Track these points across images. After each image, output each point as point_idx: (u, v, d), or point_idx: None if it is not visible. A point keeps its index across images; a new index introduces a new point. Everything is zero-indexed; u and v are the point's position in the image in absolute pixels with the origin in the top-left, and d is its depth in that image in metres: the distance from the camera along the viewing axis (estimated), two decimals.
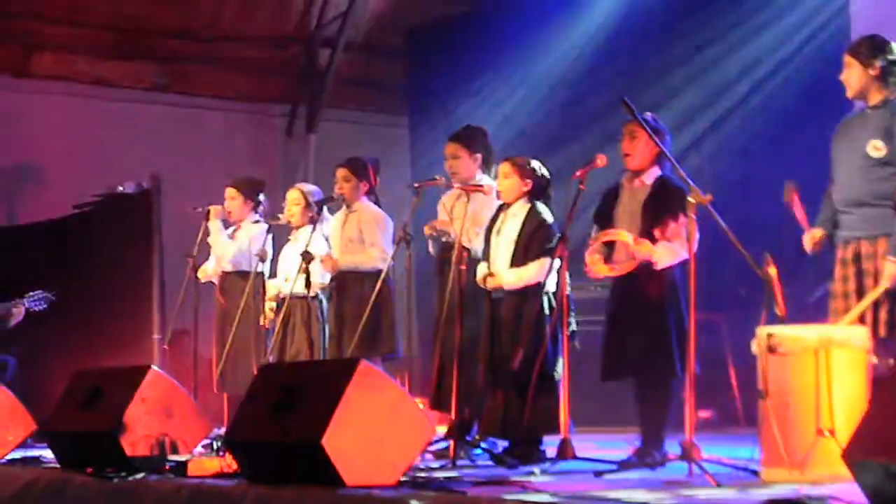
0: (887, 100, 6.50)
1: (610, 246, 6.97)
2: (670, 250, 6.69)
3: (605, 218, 7.04)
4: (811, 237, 6.69)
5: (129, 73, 13.99)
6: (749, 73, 10.95)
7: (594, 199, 7.11)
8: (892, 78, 6.52)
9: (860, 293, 6.44)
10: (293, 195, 9.34)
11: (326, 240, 9.03)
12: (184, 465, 6.33)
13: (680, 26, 11.38)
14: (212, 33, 14.13)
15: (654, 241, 6.72)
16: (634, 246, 6.72)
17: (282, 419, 5.64)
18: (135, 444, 6.63)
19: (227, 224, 9.87)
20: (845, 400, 5.73)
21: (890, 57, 6.51)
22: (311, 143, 14.59)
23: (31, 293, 10.46)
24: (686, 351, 6.31)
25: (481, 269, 7.52)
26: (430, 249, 8.26)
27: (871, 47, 6.54)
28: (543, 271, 7.15)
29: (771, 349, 5.88)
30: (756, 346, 5.97)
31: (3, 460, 7.92)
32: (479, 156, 8.13)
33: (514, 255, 7.39)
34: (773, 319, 6.13)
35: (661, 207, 6.79)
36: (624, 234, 6.80)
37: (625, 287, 6.92)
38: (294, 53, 14.78)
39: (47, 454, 7.59)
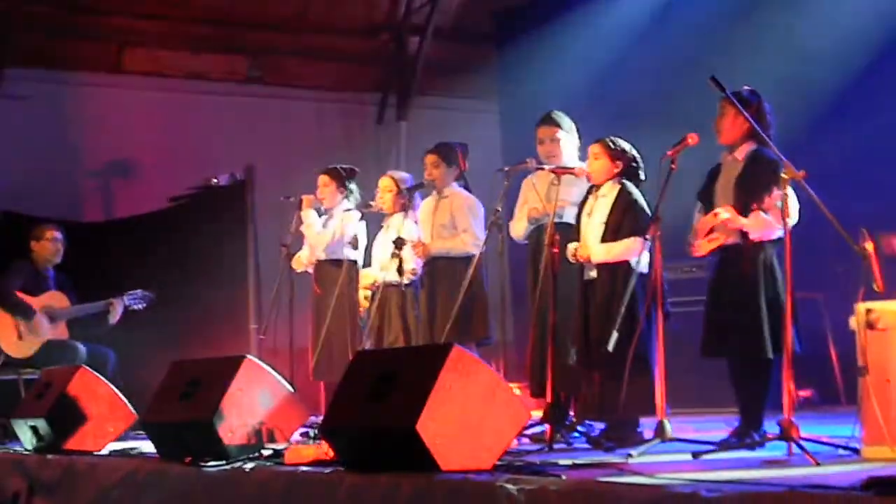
0: None
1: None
2: (762, 220, 6.61)
3: (706, 195, 7.00)
4: None
5: (220, 66, 14.09)
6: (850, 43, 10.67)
7: (690, 178, 7.04)
8: None
9: None
10: (384, 182, 9.36)
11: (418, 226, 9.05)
12: (280, 453, 6.36)
13: None
14: (301, 24, 14.18)
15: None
16: (728, 220, 6.65)
17: (376, 406, 5.63)
18: (232, 432, 6.67)
19: (320, 213, 9.91)
20: None
21: None
22: (401, 131, 14.60)
23: (131, 291, 10.58)
24: (782, 330, 6.24)
25: (570, 247, 7.49)
26: (519, 233, 8.25)
27: None
28: (634, 250, 7.13)
29: (870, 325, 5.79)
30: (855, 323, 5.88)
31: (104, 451, 8.02)
32: (572, 136, 8.12)
33: (604, 236, 7.36)
34: (872, 296, 6.04)
35: (753, 182, 6.71)
36: (725, 212, 6.72)
37: (722, 265, 6.86)
38: (383, 42, 14.80)
39: (147, 445, 7.67)
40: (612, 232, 7.35)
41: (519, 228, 8.27)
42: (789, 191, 6.24)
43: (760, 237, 6.67)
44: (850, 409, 6.07)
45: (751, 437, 6.56)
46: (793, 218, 6.31)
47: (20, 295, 10.37)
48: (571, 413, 7.90)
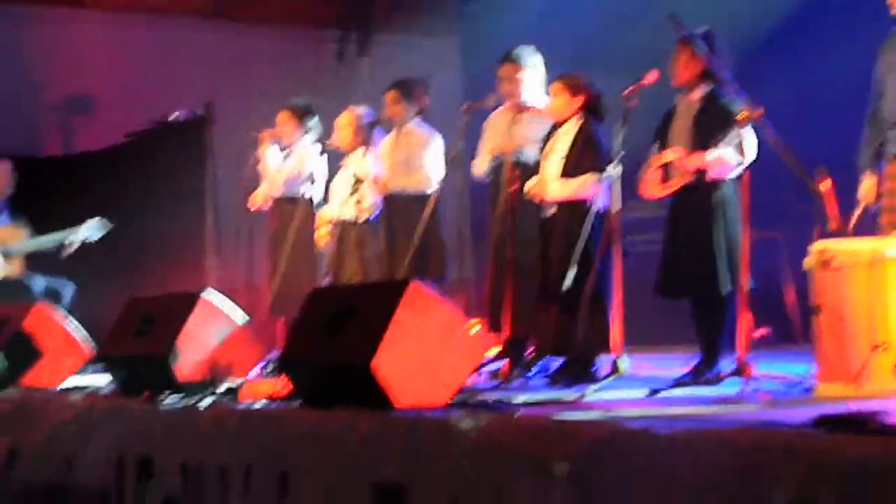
0: None
1: (666, 167, 6.91)
2: (717, 158, 6.61)
3: (661, 136, 7.00)
4: (866, 191, 6.56)
5: (180, 1, 13.94)
6: None
7: (652, 116, 7.03)
8: None
9: None
10: (344, 118, 9.31)
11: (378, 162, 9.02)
12: (236, 389, 6.36)
13: None
14: None
15: None
16: (684, 160, 6.66)
17: (333, 341, 5.63)
18: (188, 369, 6.65)
19: (280, 149, 9.86)
20: None
21: None
22: (363, 67, 14.51)
23: (87, 221, 10.49)
24: (738, 268, 6.25)
25: (529, 183, 7.48)
26: (480, 170, 8.22)
27: None
28: (591, 187, 7.12)
29: (824, 264, 5.80)
30: (809, 262, 5.89)
31: (60, 387, 7.99)
32: (534, 73, 8.08)
33: (562, 171, 7.35)
34: (829, 235, 6.04)
35: (709, 123, 6.72)
36: (672, 153, 6.75)
37: (678, 205, 6.88)
38: None
39: (104, 381, 7.64)
40: (571, 168, 7.33)
41: (480, 165, 8.24)
42: (747, 129, 6.24)
43: (717, 175, 6.67)
44: (806, 348, 6.08)
45: (707, 374, 6.59)
46: (749, 156, 6.31)
47: None
48: (530, 350, 7.91)
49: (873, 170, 6.58)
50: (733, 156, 6.60)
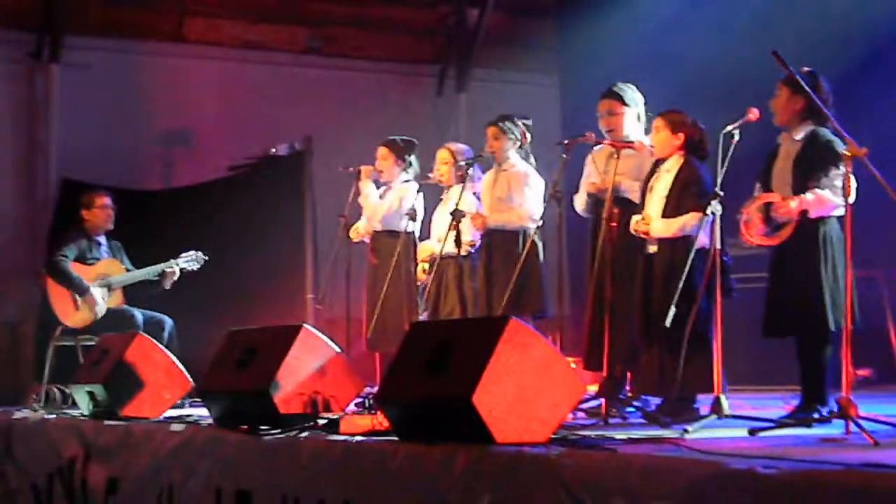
0: None
1: (766, 209, 6.85)
2: (819, 198, 6.57)
3: (764, 177, 6.97)
4: None
5: (280, 36, 14.08)
6: None
7: (755, 153, 6.97)
8: None
9: None
10: (442, 154, 9.37)
11: (478, 199, 9.04)
12: (336, 422, 6.37)
13: None
14: None
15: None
16: (783, 205, 6.62)
17: (432, 376, 5.62)
18: (288, 402, 6.68)
19: (378, 184, 9.92)
20: None
21: None
22: (461, 103, 14.56)
23: (185, 254, 10.60)
24: (841, 307, 6.19)
25: (633, 219, 7.45)
26: (581, 207, 8.21)
27: None
28: (694, 225, 7.07)
29: None
30: None
31: (161, 418, 8.07)
32: (635, 110, 8.06)
33: (665, 209, 7.32)
34: None
35: (811, 163, 6.67)
36: (771, 196, 6.70)
37: (783, 243, 6.83)
38: (443, 13, 14.74)
39: (203, 413, 7.70)
40: (672, 207, 7.30)
41: (579, 202, 8.24)
42: (848, 168, 6.18)
43: (819, 214, 6.62)
44: None
45: (809, 415, 6.52)
46: (850, 196, 6.25)
47: (75, 266, 10.40)
48: (627, 388, 7.87)
49: None
50: (833, 196, 6.55)
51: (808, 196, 6.60)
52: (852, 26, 10.63)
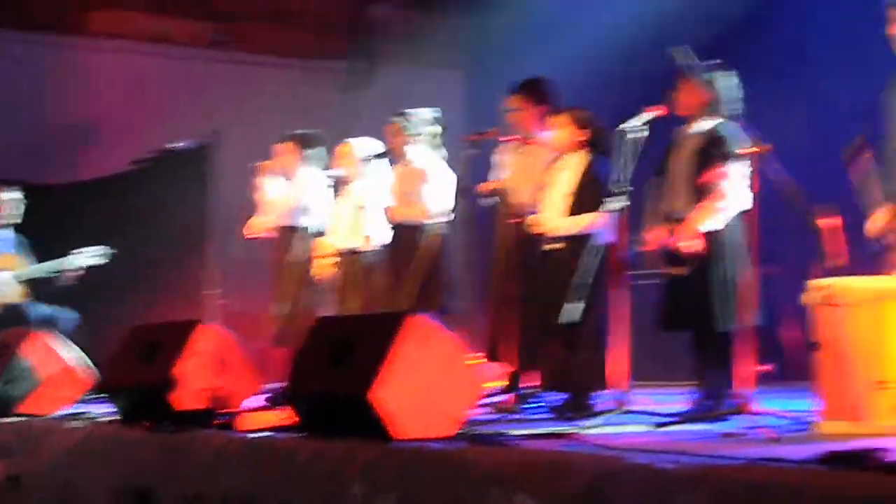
0: None
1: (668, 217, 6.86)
2: (710, 212, 6.56)
3: (660, 169, 6.96)
4: (877, 224, 6.41)
5: (185, 30, 13.97)
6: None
7: (659, 148, 6.99)
8: None
9: None
10: (344, 149, 9.31)
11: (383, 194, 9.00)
12: (235, 418, 6.32)
13: None
14: None
15: (702, 190, 6.60)
16: (679, 239, 6.62)
17: (334, 372, 5.61)
18: (187, 398, 6.62)
19: (281, 179, 9.86)
20: None
21: None
22: (366, 98, 14.52)
23: (88, 248, 10.47)
24: (737, 304, 6.22)
25: (532, 217, 7.45)
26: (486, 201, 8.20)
27: None
28: (598, 223, 7.07)
29: (824, 301, 5.75)
30: (809, 298, 5.84)
31: (61, 414, 7.96)
32: (543, 108, 8.05)
33: (568, 207, 7.30)
34: (828, 272, 6.00)
35: (708, 157, 6.66)
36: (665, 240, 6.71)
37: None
38: (349, 9, 14.70)
39: (102, 410, 7.61)
40: (577, 206, 7.29)
41: (486, 197, 8.22)
42: (745, 167, 6.19)
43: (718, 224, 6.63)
44: (809, 384, 6.04)
45: (710, 410, 6.55)
46: (741, 195, 6.26)
47: None
48: (534, 383, 7.86)
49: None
50: (725, 200, 6.53)
51: (700, 216, 6.57)
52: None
